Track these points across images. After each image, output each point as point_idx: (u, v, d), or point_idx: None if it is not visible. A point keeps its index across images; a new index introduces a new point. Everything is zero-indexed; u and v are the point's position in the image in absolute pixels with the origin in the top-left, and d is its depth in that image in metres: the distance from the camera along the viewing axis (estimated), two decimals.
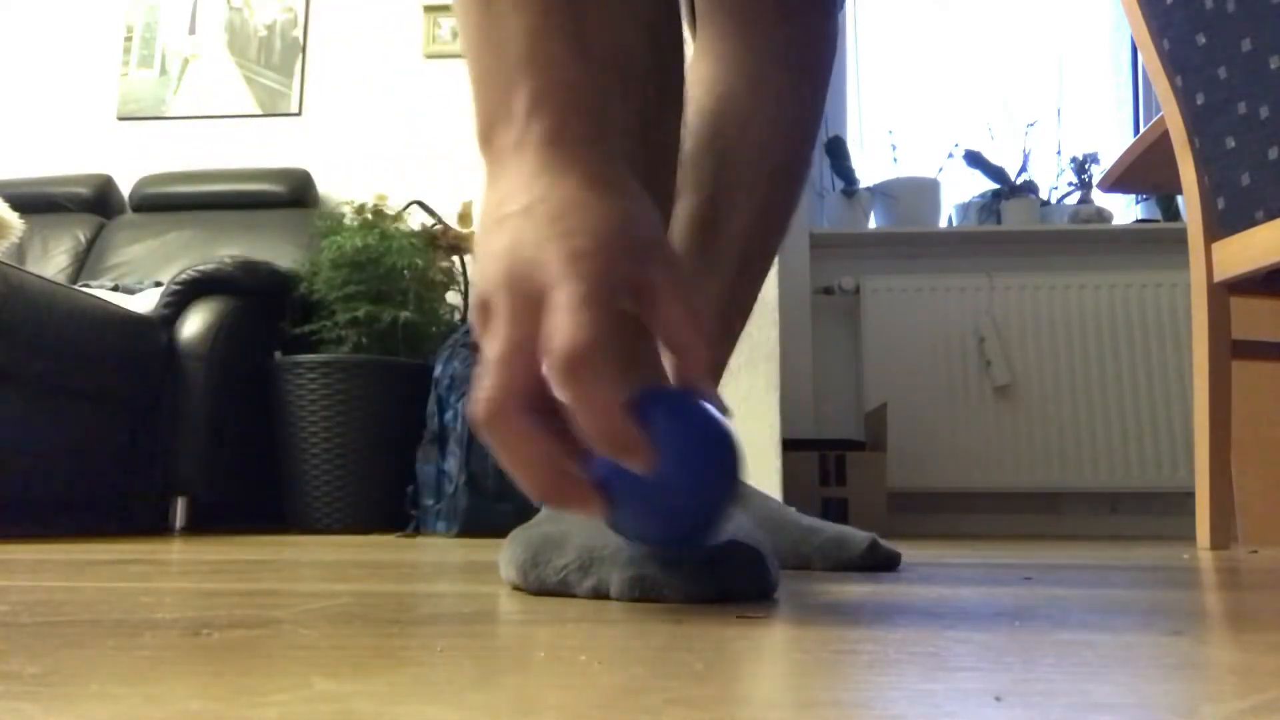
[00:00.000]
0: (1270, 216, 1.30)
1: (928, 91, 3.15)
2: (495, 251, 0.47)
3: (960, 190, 3.01)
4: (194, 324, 2.12)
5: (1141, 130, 2.27)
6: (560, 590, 0.53)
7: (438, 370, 2.09)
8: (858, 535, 0.79)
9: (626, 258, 0.46)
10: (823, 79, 0.93)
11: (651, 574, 0.49)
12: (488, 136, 0.51)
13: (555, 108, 0.48)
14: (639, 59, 0.65)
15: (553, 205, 0.46)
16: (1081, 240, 2.86)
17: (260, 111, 2.95)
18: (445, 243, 2.39)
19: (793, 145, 0.91)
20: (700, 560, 0.49)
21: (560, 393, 0.43)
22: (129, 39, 3.04)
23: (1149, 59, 1.48)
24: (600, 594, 0.51)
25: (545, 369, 0.44)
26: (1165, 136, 1.51)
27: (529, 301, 0.44)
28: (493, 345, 0.45)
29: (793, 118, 0.91)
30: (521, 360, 0.44)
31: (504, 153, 0.49)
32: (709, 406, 0.48)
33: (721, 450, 0.48)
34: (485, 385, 0.44)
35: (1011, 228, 2.86)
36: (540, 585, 0.55)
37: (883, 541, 0.80)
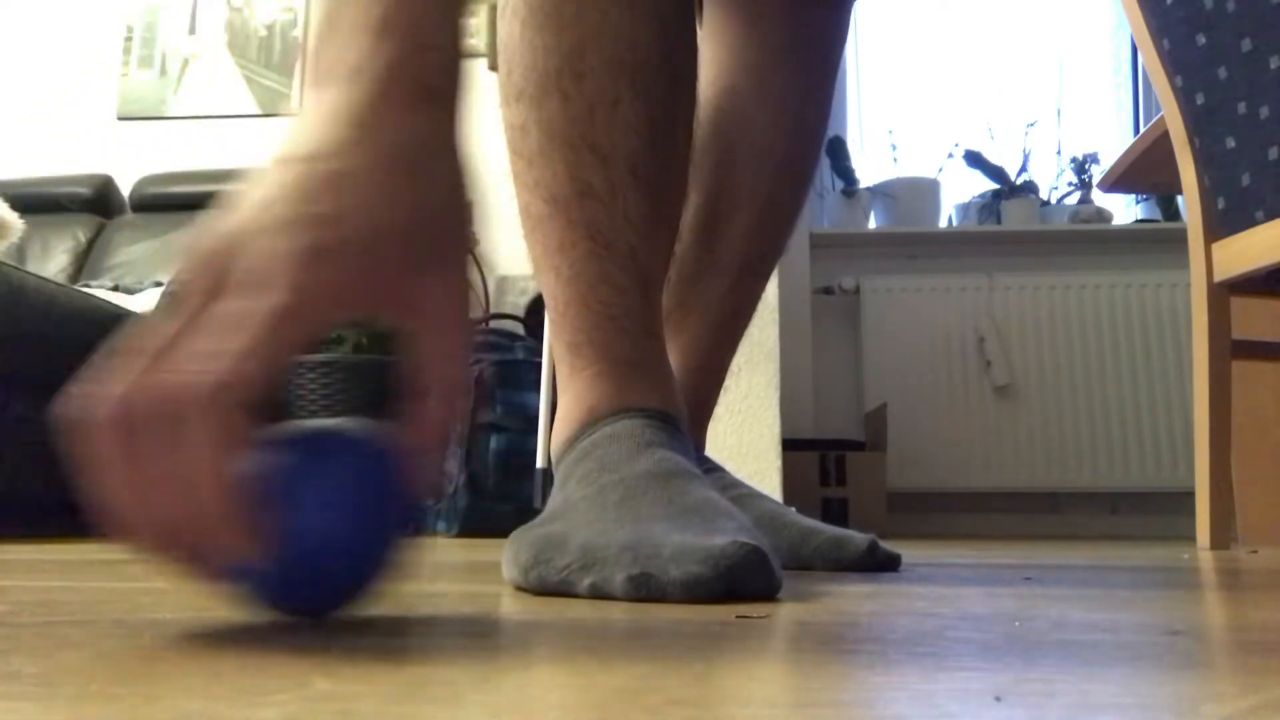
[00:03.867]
0: (1270, 216, 1.30)
1: (928, 91, 3.16)
2: (251, 200, 0.36)
3: (960, 190, 3.02)
4: None
5: (1141, 130, 2.27)
6: (562, 589, 0.53)
7: None
8: (857, 537, 0.78)
9: (380, 269, 0.37)
10: (828, 78, 0.91)
11: (655, 573, 0.49)
12: (320, 48, 0.40)
13: (407, 36, 0.39)
14: (648, 55, 0.63)
15: (332, 172, 0.36)
16: (1081, 240, 2.86)
17: (260, 111, 2.95)
18: None
19: (796, 146, 0.89)
20: (704, 559, 0.49)
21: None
22: (129, 39, 3.04)
23: (1149, 59, 1.48)
24: (602, 593, 0.51)
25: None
26: (1165, 136, 1.51)
27: (236, 287, 0.34)
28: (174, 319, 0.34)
29: (796, 118, 0.89)
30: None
31: (332, 73, 0.39)
32: (369, 458, 0.38)
33: (359, 510, 0.37)
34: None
35: (1011, 228, 2.86)
36: (542, 584, 0.54)
37: (882, 543, 0.79)
